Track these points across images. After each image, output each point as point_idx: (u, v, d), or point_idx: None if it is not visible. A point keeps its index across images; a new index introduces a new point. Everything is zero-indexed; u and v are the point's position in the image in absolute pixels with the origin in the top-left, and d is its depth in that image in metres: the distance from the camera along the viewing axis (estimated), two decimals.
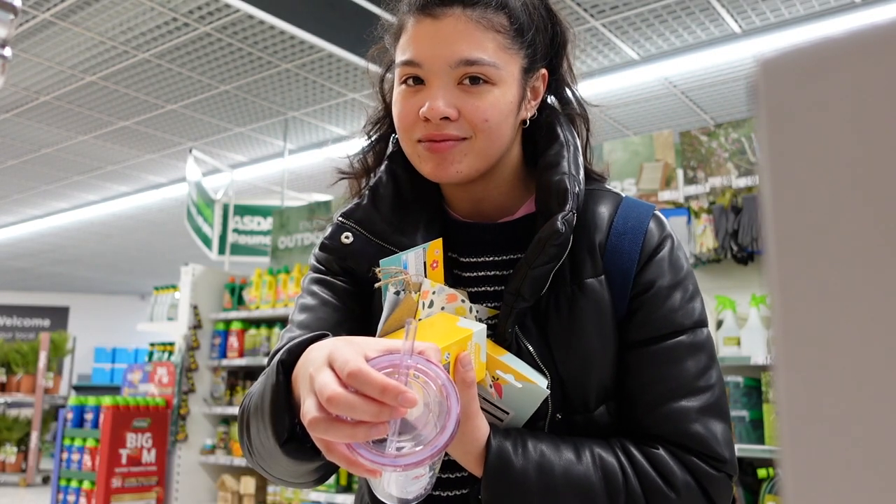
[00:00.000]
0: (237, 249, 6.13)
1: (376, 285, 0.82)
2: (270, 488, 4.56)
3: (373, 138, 0.99)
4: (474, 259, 0.93)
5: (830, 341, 0.25)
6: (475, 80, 0.83)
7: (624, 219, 0.89)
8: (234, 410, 4.78)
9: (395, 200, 0.92)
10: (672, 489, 0.79)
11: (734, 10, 4.30)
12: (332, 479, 3.62)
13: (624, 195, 0.94)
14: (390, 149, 0.96)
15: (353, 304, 0.93)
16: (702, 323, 0.87)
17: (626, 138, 4.07)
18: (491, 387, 0.82)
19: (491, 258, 0.92)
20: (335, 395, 0.59)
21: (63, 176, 7.76)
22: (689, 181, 3.44)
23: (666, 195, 3.37)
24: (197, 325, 4.94)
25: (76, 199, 8.66)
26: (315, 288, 0.94)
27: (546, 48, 0.91)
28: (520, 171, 0.95)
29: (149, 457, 4.51)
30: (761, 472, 2.80)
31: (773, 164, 0.27)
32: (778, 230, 0.26)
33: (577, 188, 0.85)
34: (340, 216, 0.92)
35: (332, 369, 0.62)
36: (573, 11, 4.31)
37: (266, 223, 6.19)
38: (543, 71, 0.92)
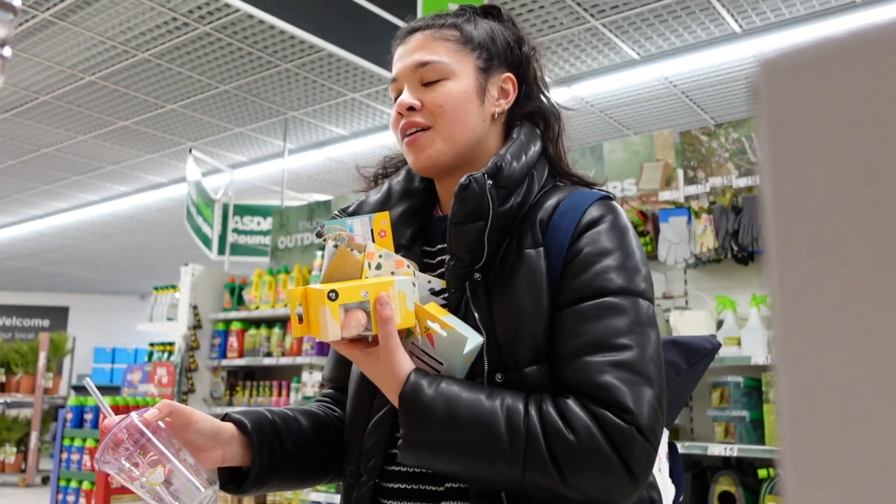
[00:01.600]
0: (237, 249, 6.13)
1: (320, 240, 0.95)
2: None
3: (387, 165, 1.17)
4: (440, 246, 1.05)
5: (830, 341, 0.25)
6: (432, 78, 1.02)
7: (569, 202, 0.99)
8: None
9: (383, 199, 1.08)
10: (572, 432, 0.83)
11: (734, 10, 4.30)
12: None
13: (581, 189, 1.03)
14: (402, 170, 1.14)
15: None
16: (634, 292, 0.91)
17: (626, 138, 4.07)
18: (424, 337, 0.92)
19: None
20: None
21: (63, 176, 7.76)
22: (690, 181, 3.44)
23: (666, 195, 3.37)
24: (197, 326, 4.94)
25: (76, 199, 8.66)
26: None
27: (503, 54, 1.07)
28: None
29: None
30: (761, 472, 2.80)
31: (774, 164, 0.27)
32: (778, 230, 0.26)
33: (501, 164, 0.96)
34: (338, 210, 1.06)
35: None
36: (573, 11, 4.31)
37: (266, 223, 6.19)
38: (508, 74, 1.07)
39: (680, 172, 3.61)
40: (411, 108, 1.01)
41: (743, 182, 3.11)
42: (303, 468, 1.05)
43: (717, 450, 2.84)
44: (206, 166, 6.46)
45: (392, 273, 0.94)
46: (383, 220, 0.97)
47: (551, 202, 0.99)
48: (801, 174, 0.26)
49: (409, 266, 0.95)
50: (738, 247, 3.04)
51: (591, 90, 5.32)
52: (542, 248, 0.95)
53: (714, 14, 4.34)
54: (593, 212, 0.96)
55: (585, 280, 0.91)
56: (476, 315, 0.94)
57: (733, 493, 2.84)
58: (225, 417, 1.00)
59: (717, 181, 3.18)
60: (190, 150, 6.04)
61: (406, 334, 0.92)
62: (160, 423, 0.92)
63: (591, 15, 4.35)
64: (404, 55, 1.05)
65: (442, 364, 0.92)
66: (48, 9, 4.39)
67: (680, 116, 5.79)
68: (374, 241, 0.95)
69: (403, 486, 0.99)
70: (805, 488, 0.25)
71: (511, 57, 1.08)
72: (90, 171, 7.60)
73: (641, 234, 3.43)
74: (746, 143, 3.33)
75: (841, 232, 0.25)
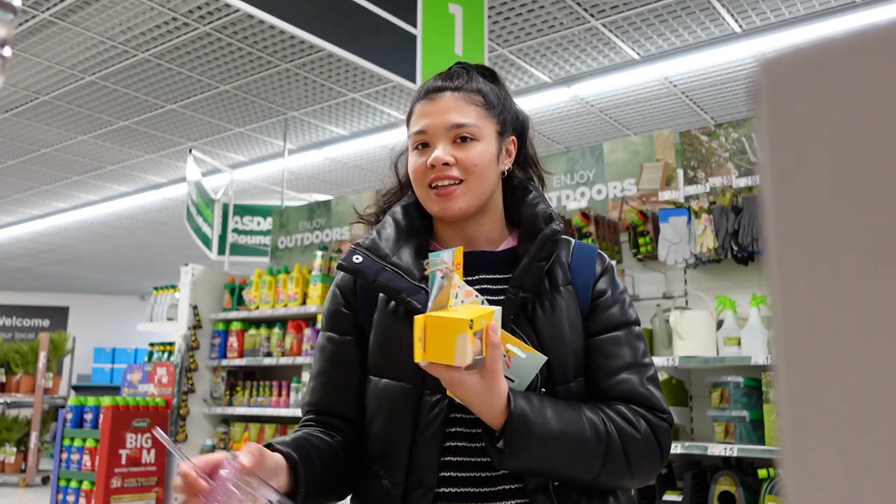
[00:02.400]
0: (237, 249, 6.13)
1: (426, 272, 1.08)
2: None
3: (384, 204, 1.31)
4: (468, 278, 1.17)
5: (830, 341, 0.25)
6: (465, 138, 1.16)
7: (581, 251, 1.25)
8: (234, 411, 4.78)
9: (395, 236, 1.21)
10: (637, 431, 1.08)
11: (734, 10, 4.30)
12: None
13: (579, 241, 1.30)
14: (398, 206, 1.27)
15: (354, 351, 1.22)
16: (638, 323, 1.22)
17: (626, 138, 4.07)
18: (504, 356, 1.04)
19: (485, 276, 1.20)
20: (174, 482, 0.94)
21: (63, 176, 7.76)
22: (690, 181, 3.44)
23: (666, 195, 3.37)
24: (197, 326, 4.94)
25: (76, 199, 8.66)
26: (326, 351, 1.24)
27: (512, 122, 1.25)
28: (502, 216, 1.26)
29: (148, 457, 4.51)
30: (761, 473, 2.80)
31: (774, 164, 0.27)
32: (778, 230, 0.26)
33: (556, 215, 1.20)
34: (354, 244, 1.20)
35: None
36: (573, 11, 4.31)
37: (266, 223, 6.19)
38: (513, 137, 1.25)
39: (680, 172, 3.61)
40: (446, 164, 1.15)
41: (743, 182, 3.11)
42: (325, 493, 1.14)
43: (717, 450, 2.84)
44: (206, 166, 6.46)
45: (462, 301, 1.05)
46: (460, 254, 1.10)
47: (564, 250, 1.22)
48: (801, 174, 0.26)
49: (476, 296, 1.07)
50: (738, 247, 3.04)
51: (591, 90, 5.32)
52: (570, 286, 1.18)
53: (714, 14, 4.34)
54: (601, 261, 1.23)
55: (614, 313, 1.18)
56: (524, 337, 1.11)
57: (733, 493, 2.84)
58: (270, 446, 1.06)
59: (717, 181, 3.18)
60: (190, 150, 6.04)
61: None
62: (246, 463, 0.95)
63: (591, 15, 4.35)
64: (436, 113, 1.17)
65: (513, 381, 1.07)
66: (48, 9, 4.39)
67: (680, 116, 5.79)
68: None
69: (457, 490, 1.10)
70: (805, 488, 0.25)
71: (515, 123, 1.25)
72: (90, 171, 7.60)
73: (641, 234, 3.43)
74: (746, 143, 3.33)
75: (841, 232, 0.25)
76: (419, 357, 0.96)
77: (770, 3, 4.22)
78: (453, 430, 1.12)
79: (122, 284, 14.32)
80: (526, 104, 5.62)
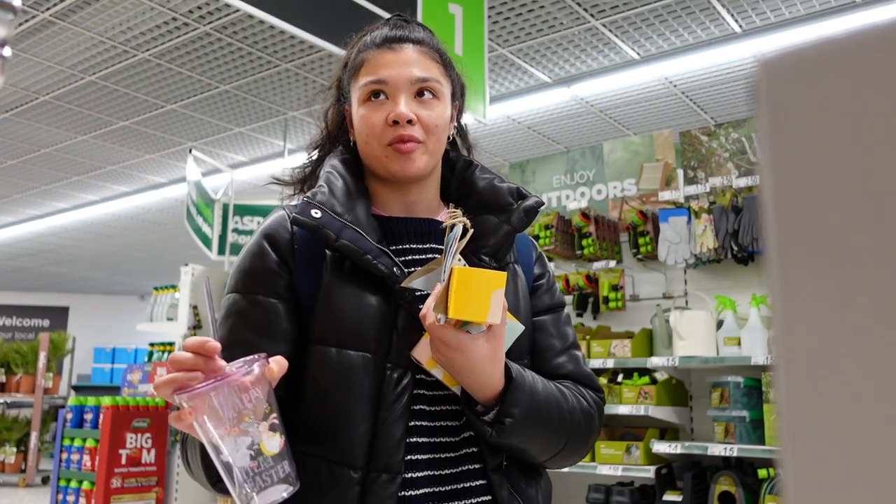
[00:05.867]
0: (237, 249, 6.12)
1: (445, 223, 1.03)
2: None
3: (313, 156, 1.23)
4: (414, 245, 1.14)
5: (830, 341, 0.25)
6: (423, 93, 1.10)
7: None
8: None
9: (346, 192, 1.11)
10: (590, 406, 1.13)
11: (734, 10, 4.30)
12: None
13: None
14: (335, 160, 1.16)
15: (284, 318, 1.06)
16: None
17: (626, 138, 4.07)
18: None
19: (435, 245, 1.15)
20: (172, 355, 0.85)
21: (63, 176, 7.76)
22: (690, 181, 3.44)
23: (666, 195, 3.37)
24: (196, 326, 4.94)
25: (76, 199, 8.66)
26: (248, 317, 1.07)
27: (458, 85, 1.20)
28: (439, 185, 1.20)
29: (148, 457, 4.51)
30: (761, 473, 2.80)
31: (774, 164, 0.27)
32: (778, 230, 0.26)
33: (526, 191, 1.16)
34: (306, 198, 1.08)
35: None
36: (573, 11, 4.31)
37: None
38: (457, 102, 1.20)
39: (680, 172, 3.61)
40: (409, 121, 1.07)
41: (743, 182, 3.11)
42: None
43: (717, 450, 2.84)
44: (206, 166, 6.45)
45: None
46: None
47: None
48: (801, 174, 0.26)
49: (460, 259, 1.05)
50: (738, 247, 3.04)
51: (591, 90, 5.32)
52: (517, 265, 1.17)
53: (714, 14, 4.33)
54: (534, 245, 1.26)
55: (554, 294, 1.21)
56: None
57: (733, 493, 2.84)
58: None
59: (717, 181, 3.17)
60: (190, 150, 6.03)
61: (463, 323, 0.96)
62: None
63: (591, 15, 4.35)
64: (398, 64, 1.10)
65: None
66: (48, 9, 4.39)
67: (680, 116, 5.79)
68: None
69: (422, 473, 1.03)
70: (805, 488, 0.25)
71: (462, 88, 1.22)
72: (90, 171, 7.60)
73: (641, 234, 3.43)
74: (746, 143, 3.33)
75: (841, 232, 0.25)
76: (452, 313, 0.91)
77: (770, 3, 4.22)
78: (417, 407, 1.03)
79: (122, 284, 14.32)
80: (526, 104, 5.62)
